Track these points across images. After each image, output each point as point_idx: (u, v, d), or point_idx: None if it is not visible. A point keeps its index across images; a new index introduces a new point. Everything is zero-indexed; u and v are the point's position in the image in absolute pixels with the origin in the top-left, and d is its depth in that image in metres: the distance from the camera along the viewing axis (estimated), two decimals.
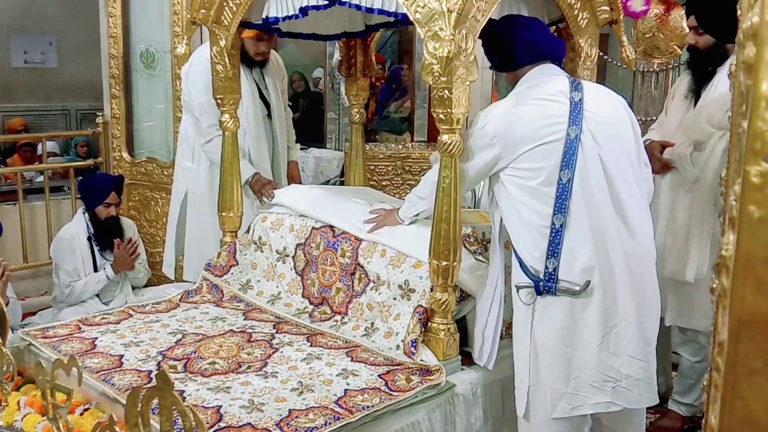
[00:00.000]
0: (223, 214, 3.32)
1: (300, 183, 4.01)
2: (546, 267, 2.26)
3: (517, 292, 2.36)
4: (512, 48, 2.44)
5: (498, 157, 2.34)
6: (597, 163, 2.26)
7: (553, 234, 2.25)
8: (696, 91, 3.09)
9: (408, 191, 4.66)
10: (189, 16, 3.21)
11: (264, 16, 2.99)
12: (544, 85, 2.38)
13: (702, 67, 3.08)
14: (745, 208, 0.79)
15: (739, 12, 1.00)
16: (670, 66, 4.23)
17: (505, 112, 2.37)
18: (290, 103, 6.53)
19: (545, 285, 2.27)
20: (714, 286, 1.14)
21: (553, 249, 2.25)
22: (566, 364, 2.29)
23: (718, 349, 0.87)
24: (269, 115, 3.87)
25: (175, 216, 4.00)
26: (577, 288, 2.23)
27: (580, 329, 2.27)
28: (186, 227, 3.94)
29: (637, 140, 2.40)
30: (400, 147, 5.50)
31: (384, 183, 5.16)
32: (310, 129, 6.79)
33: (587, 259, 2.24)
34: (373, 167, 5.09)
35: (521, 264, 2.33)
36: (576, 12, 2.79)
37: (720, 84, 3.01)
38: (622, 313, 2.27)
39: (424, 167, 5.25)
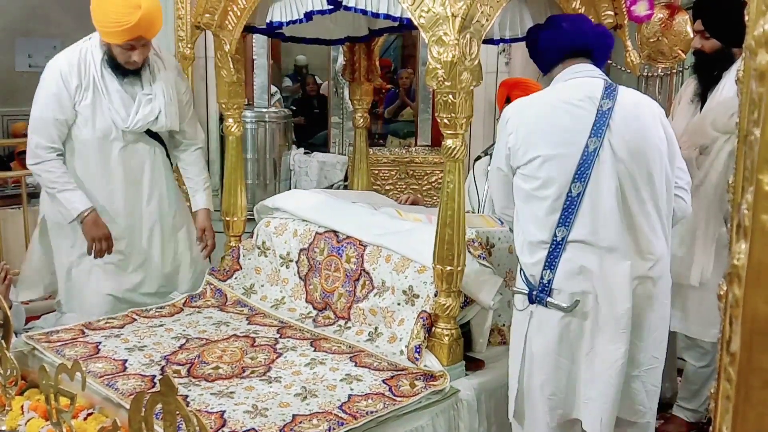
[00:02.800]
0: (227, 218, 3.31)
1: (211, 235, 3.37)
2: (541, 277, 2.22)
3: (513, 296, 2.35)
4: (540, 48, 2.41)
5: (508, 156, 2.28)
6: (613, 178, 2.17)
7: (554, 246, 2.19)
8: (702, 95, 3.08)
9: (412, 194, 4.66)
10: (193, 20, 3.21)
11: (268, 21, 2.99)
12: (574, 86, 2.29)
13: (708, 72, 3.08)
14: (757, 217, 0.77)
15: (747, 18, 0.99)
16: (674, 71, 4.22)
17: (523, 109, 2.31)
18: (293, 107, 6.51)
19: (537, 295, 2.23)
20: (721, 293, 1.13)
21: (551, 261, 2.20)
22: (563, 374, 2.26)
23: (730, 359, 0.85)
24: (152, 136, 3.25)
25: (35, 238, 3.43)
26: (565, 306, 2.18)
27: (571, 340, 2.23)
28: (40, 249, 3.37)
29: (670, 156, 2.27)
30: (404, 151, 5.49)
31: (387, 187, 5.15)
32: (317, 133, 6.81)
33: (582, 281, 2.18)
34: (377, 171, 5.08)
35: (521, 269, 2.31)
36: None
37: (726, 88, 3.00)
38: (616, 335, 2.18)
39: (428, 171, 5.25)
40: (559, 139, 2.21)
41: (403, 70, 7.03)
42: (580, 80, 2.31)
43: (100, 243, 3.05)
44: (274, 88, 6.27)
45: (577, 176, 2.17)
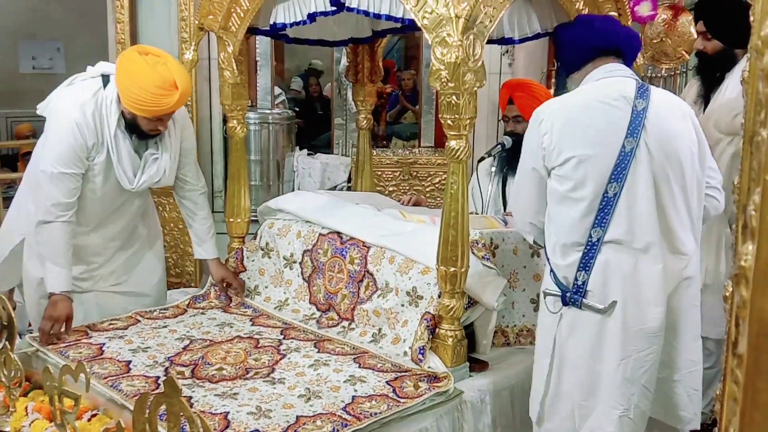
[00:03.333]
0: (230, 220, 3.31)
1: (233, 276, 3.20)
2: (576, 279, 2.20)
3: (544, 298, 2.31)
4: (567, 47, 2.40)
5: (545, 157, 2.24)
6: (648, 178, 2.15)
7: (589, 247, 2.17)
8: (705, 97, 3.08)
9: (415, 195, 4.65)
10: (197, 22, 3.21)
11: (271, 23, 3.00)
12: (607, 86, 2.27)
13: (711, 73, 3.08)
14: (765, 218, 0.77)
15: (752, 19, 0.99)
16: (678, 71, 4.22)
17: (558, 109, 2.26)
18: (296, 109, 6.49)
19: (572, 297, 2.21)
20: (727, 294, 1.12)
21: (586, 262, 2.18)
22: (594, 380, 2.23)
23: (737, 361, 0.85)
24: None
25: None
26: (601, 307, 2.17)
27: (606, 343, 2.20)
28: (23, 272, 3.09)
29: (701, 156, 2.26)
30: (407, 152, 5.49)
31: (391, 189, 5.15)
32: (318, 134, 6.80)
33: (617, 282, 2.16)
34: (380, 173, 5.08)
35: (551, 270, 2.29)
36: None
37: (728, 89, 3.00)
38: (648, 339, 2.17)
39: (431, 172, 5.25)
40: (595, 140, 2.18)
41: (405, 71, 7.02)
42: (613, 80, 2.28)
43: (52, 325, 2.72)
44: (278, 90, 6.27)
45: (613, 177, 2.15)
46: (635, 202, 2.15)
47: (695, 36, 3.22)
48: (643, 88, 2.24)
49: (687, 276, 2.23)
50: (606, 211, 2.15)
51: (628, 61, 2.38)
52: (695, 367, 2.31)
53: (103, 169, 2.88)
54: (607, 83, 2.28)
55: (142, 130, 2.85)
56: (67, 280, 2.83)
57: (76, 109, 2.80)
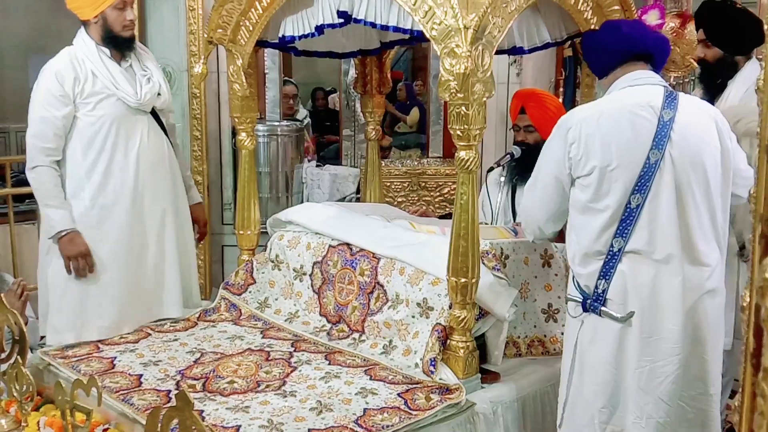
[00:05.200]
0: (240, 232, 3.32)
1: (205, 226, 3.48)
2: (596, 287, 2.20)
3: (566, 303, 2.34)
4: (596, 51, 2.38)
5: (571, 166, 2.23)
6: (671, 190, 2.15)
7: (610, 256, 2.18)
8: (709, 104, 3.08)
9: (423, 207, 4.64)
10: (206, 35, 3.22)
11: (280, 35, 3.01)
12: (635, 95, 2.25)
13: (712, 80, 3.09)
14: None
15: (766, 27, 0.98)
16: (687, 79, 4.20)
17: (586, 118, 2.24)
18: (307, 120, 6.50)
19: (592, 304, 2.22)
20: (744, 305, 1.11)
21: (606, 271, 2.18)
22: (615, 387, 2.22)
23: (763, 374, 0.83)
24: (163, 130, 3.20)
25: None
26: (619, 316, 2.17)
27: (626, 351, 2.20)
28: (48, 278, 3.11)
29: (724, 166, 2.23)
30: (416, 163, 5.48)
31: (399, 199, 5.14)
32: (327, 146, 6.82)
33: (636, 293, 2.16)
34: (388, 184, 5.07)
35: (574, 277, 2.30)
36: (592, 26, 2.78)
37: (731, 96, 3.00)
38: (664, 351, 2.17)
39: (440, 183, 5.24)
40: (621, 151, 2.16)
41: (401, 83, 7.06)
42: (640, 88, 2.27)
43: (77, 261, 2.92)
44: (303, 111, 6.27)
45: (637, 188, 2.14)
46: (657, 214, 2.15)
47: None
48: (671, 97, 2.22)
49: (710, 288, 2.21)
50: (628, 221, 2.15)
51: (658, 66, 2.36)
52: (720, 381, 2.31)
53: (98, 100, 3.01)
54: (636, 91, 2.26)
55: (118, 36, 3.03)
56: (69, 218, 2.96)
57: (51, 63, 3.03)
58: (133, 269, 3.09)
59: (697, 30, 3.16)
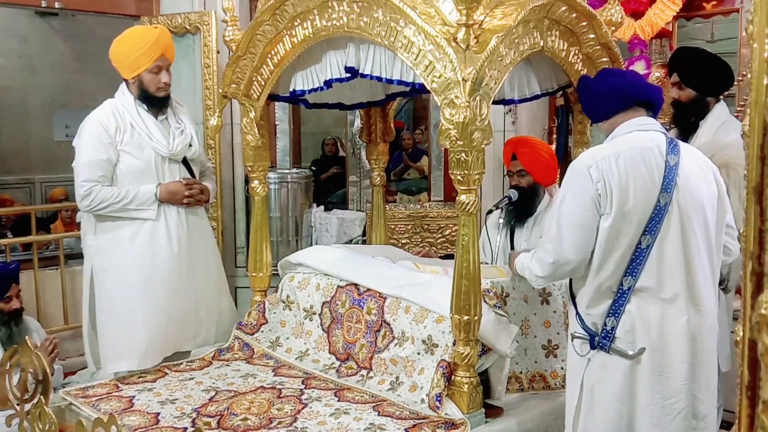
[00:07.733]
0: (253, 274, 3.31)
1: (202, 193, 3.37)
2: (605, 324, 2.18)
3: (572, 340, 2.27)
4: (600, 96, 2.35)
5: (598, 205, 2.15)
6: (678, 231, 2.15)
7: (619, 294, 2.16)
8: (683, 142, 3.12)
9: (426, 248, 4.63)
10: (220, 90, 3.27)
11: (291, 90, 3.05)
12: (644, 137, 2.23)
13: (686, 119, 3.15)
14: None
15: (749, 76, 1.00)
16: (671, 126, 4.23)
17: (607, 158, 2.17)
18: (312, 168, 6.55)
19: (600, 341, 2.18)
20: (738, 339, 1.10)
21: (616, 309, 2.16)
22: (624, 424, 2.18)
23: (762, 407, 0.82)
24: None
25: (86, 299, 3.30)
26: (630, 353, 2.14)
27: (637, 387, 2.16)
28: (96, 310, 3.23)
29: (721, 211, 2.24)
30: (418, 207, 5.50)
31: (404, 241, 5.14)
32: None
33: (644, 331, 2.14)
34: (393, 226, 5.08)
35: (578, 314, 2.25)
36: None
37: (704, 134, 3.05)
38: (674, 388, 2.15)
39: (441, 225, 5.24)
40: (637, 191, 2.15)
41: (405, 131, 7.11)
42: (647, 133, 2.25)
43: (184, 197, 3.19)
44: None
45: (647, 229, 2.13)
46: (665, 255, 2.14)
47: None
48: (672, 144, 2.23)
49: (708, 327, 2.21)
50: (638, 261, 2.14)
51: (655, 113, 2.36)
52: (715, 414, 2.28)
53: (135, 148, 3.15)
54: (643, 136, 2.24)
55: (153, 96, 3.17)
56: (144, 186, 3.13)
57: (94, 113, 3.17)
58: (180, 297, 3.23)
59: (670, 74, 3.23)
